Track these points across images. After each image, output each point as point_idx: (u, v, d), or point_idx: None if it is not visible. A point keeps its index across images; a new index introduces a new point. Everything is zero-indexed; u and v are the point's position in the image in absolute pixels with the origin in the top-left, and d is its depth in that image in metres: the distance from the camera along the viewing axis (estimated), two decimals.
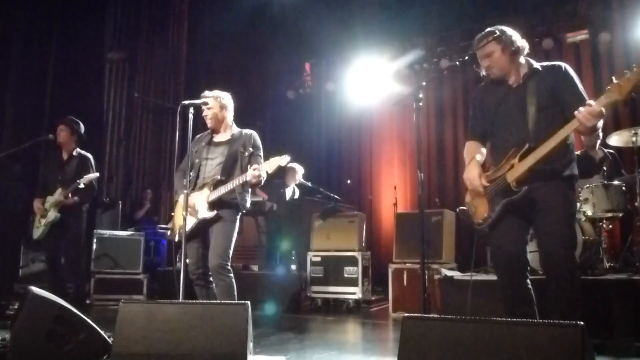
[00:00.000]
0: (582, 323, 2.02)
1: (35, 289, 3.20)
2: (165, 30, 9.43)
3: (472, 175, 3.13)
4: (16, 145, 5.66)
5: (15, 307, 4.79)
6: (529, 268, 3.09)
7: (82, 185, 5.10)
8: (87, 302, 5.28)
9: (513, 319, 2.66)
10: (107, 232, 6.69)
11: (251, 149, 3.96)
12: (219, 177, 3.89)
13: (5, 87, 7.16)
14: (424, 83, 3.31)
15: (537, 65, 3.12)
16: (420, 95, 3.21)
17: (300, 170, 7.76)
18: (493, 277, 5.33)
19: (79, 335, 3.10)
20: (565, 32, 8.31)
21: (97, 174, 5.21)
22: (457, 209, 3.48)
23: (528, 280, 3.05)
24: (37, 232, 5.24)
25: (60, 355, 3.02)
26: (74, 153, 5.41)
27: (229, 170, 3.94)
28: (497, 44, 3.07)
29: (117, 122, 8.74)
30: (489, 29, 3.15)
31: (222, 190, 3.81)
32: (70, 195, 5.13)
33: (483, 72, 3.20)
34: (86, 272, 5.39)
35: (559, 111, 2.96)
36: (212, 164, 4.00)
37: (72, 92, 7.71)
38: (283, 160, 3.72)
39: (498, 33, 3.08)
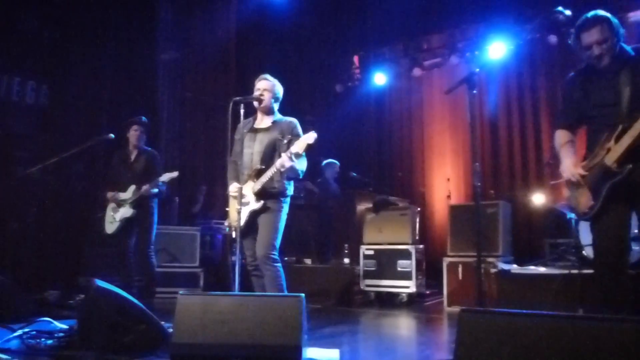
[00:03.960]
0: None
1: (99, 282, 3.32)
2: (215, 29, 9.58)
3: (567, 165, 3.07)
4: (76, 145, 5.86)
5: (80, 299, 5.02)
6: (629, 259, 2.99)
7: (161, 182, 5.28)
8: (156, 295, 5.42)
9: (603, 311, 2.56)
10: (165, 227, 6.87)
11: (289, 136, 3.91)
12: (258, 166, 3.90)
13: (65, 91, 7.45)
14: (477, 70, 3.23)
15: (627, 47, 3.04)
16: (474, 83, 3.14)
17: (337, 165, 7.95)
18: (552, 271, 5.22)
19: (140, 325, 3.21)
20: (626, 11, 7.94)
21: (177, 173, 5.32)
22: (556, 206, 3.41)
23: (627, 272, 2.95)
24: (110, 227, 5.46)
25: (122, 345, 3.13)
26: (141, 150, 5.60)
27: (268, 158, 3.93)
28: (610, 31, 2.96)
29: (171, 121, 8.95)
30: (597, 14, 3.01)
31: (263, 179, 3.84)
32: (148, 189, 5.29)
33: (594, 56, 3.02)
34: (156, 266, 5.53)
35: None
36: (253, 153, 3.99)
37: (127, 93, 7.97)
38: (310, 137, 3.63)
39: (611, 19, 2.97)
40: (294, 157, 3.67)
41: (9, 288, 4.29)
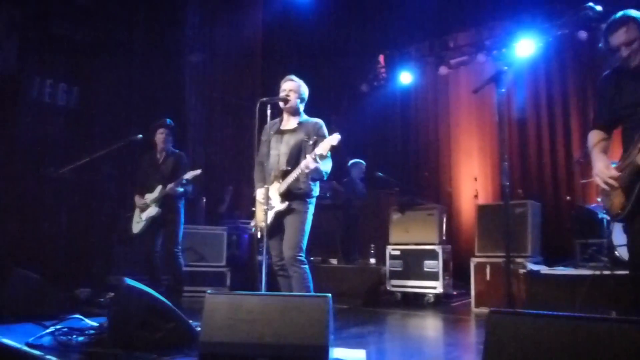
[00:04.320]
0: None
1: (129, 281, 3.37)
2: (241, 30, 9.65)
3: (599, 168, 2.96)
4: (106, 146, 5.97)
5: (110, 297, 5.11)
6: None
7: (185, 180, 5.36)
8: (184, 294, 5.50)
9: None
10: (192, 227, 6.94)
11: (315, 137, 3.90)
12: (284, 167, 3.92)
13: (95, 93, 7.59)
14: (505, 68, 3.18)
15: None
16: (502, 82, 3.09)
17: (363, 165, 7.94)
18: (583, 272, 5.12)
19: (169, 324, 3.25)
20: None
21: (200, 171, 5.40)
22: (588, 205, 3.32)
23: None
24: (137, 227, 5.56)
25: (152, 343, 3.17)
26: (169, 152, 5.68)
27: (294, 159, 3.94)
28: (638, 30, 2.89)
29: (198, 122, 9.04)
30: (624, 14, 2.94)
31: (288, 180, 3.85)
32: (175, 187, 5.38)
33: (622, 56, 2.96)
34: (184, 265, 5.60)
35: None
36: (279, 154, 4.01)
37: (155, 95, 8.09)
38: (334, 139, 3.63)
39: (638, 18, 2.90)
40: (318, 159, 3.67)
41: (41, 286, 4.39)
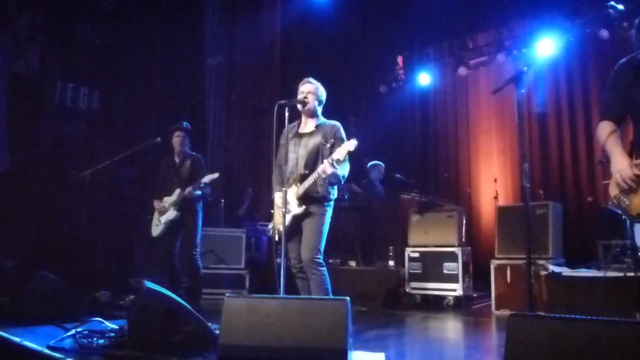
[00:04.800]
0: None
1: (149, 284, 3.40)
2: (260, 32, 9.69)
3: (623, 166, 2.78)
4: (127, 149, 6.05)
5: (130, 299, 5.15)
6: None
7: (202, 184, 5.39)
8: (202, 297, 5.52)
9: None
10: (211, 229, 6.97)
11: (333, 140, 3.89)
12: (302, 171, 3.90)
13: (116, 96, 7.68)
14: (525, 69, 3.13)
15: None
16: (522, 82, 3.04)
17: (381, 166, 7.89)
18: (606, 274, 5.03)
19: (188, 327, 3.27)
20: None
21: (218, 174, 5.43)
22: (609, 205, 3.21)
23: None
24: (156, 230, 5.60)
25: (171, 345, 3.19)
26: (187, 155, 5.72)
27: (312, 163, 3.92)
28: None
29: (217, 125, 9.09)
30: None
31: (306, 184, 3.84)
32: (192, 191, 5.40)
33: None
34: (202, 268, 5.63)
35: None
36: (297, 157, 4.00)
37: (175, 98, 8.16)
38: (351, 144, 3.61)
39: None
40: (335, 164, 3.67)
41: (62, 288, 4.43)
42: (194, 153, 5.80)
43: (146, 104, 7.96)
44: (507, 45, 8.81)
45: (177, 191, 5.49)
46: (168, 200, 5.54)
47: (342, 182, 3.95)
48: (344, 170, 3.84)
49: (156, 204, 5.60)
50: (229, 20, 9.23)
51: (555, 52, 8.17)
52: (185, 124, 5.76)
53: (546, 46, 8.11)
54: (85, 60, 7.41)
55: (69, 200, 6.54)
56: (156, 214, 5.63)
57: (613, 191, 2.85)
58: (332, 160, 3.65)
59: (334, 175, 3.76)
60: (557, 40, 8.09)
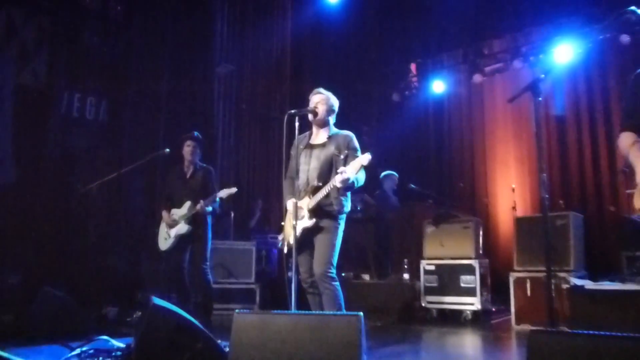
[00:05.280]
0: None
1: (157, 299, 3.38)
2: (270, 40, 9.74)
3: None
4: (135, 160, 6.04)
5: (137, 316, 5.13)
6: None
7: (218, 199, 5.33)
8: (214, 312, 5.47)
9: None
10: (220, 242, 6.95)
11: (346, 151, 3.88)
12: (315, 183, 3.88)
13: (123, 106, 7.72)
14: (543, 76, 3.10)
15: None
16: (539, 90, 3.01)
17: (395, 176, 7.87)
18: (631, 287, 4.96)
19: (197, 344, 3.24)
20: None
21: (236, 189, 5.36)
22: (633, 216, 3.16)
23: None
24: (165, 244, 5.51)
25: None
26: (197, 166, 5.66)
27: (325, 175, 3.90)
28: None
29: (227, 134, 9.13)
30: None
31: (318, 196, 3.81)
32: (204, 205, 5.32)
33: None
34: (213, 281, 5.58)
35: None
36: (309, 169, 3.98)
37: (184, 107, 8.20)
38: (365, 159, 3.59)
39: None
40: (351, 178, 3.65)
41: (69, 305, 4.43)
42: (205, 165, 5.72)
43: (154, 114, 7.99)
44: (523, 51, 8.76)
45: (188, 204, 5.40)
46: (178, 212, 5.46)
47: (356, 187, 3.90)
48: (360, 176, 3.82)
49: (165, 216, 5.54)
50: (238, 28, 9.29)
51: (574, 58, 8.11)
52: (196, 133, 5.73)
53: (564, 52, 8.06)
54: (93, 69, 7.46)
55: (75, 213, 6.56)
56: (163, 227, 5.55)
57: (638, 203, 2.81)
58: (349, 173, 3.62)
59: (350, 189, 3.77)
60: (576, 46, 8.03)
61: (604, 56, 8.15)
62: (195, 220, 5.40)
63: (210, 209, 5.41)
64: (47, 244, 6.51)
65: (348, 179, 3.61)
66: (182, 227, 5.40)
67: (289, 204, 3.97)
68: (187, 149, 5.60)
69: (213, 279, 5.66)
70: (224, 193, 5.26)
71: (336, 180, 3.66)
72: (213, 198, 5.30)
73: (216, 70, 8.86)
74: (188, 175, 5.60)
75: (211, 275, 5.53)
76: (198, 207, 5.30)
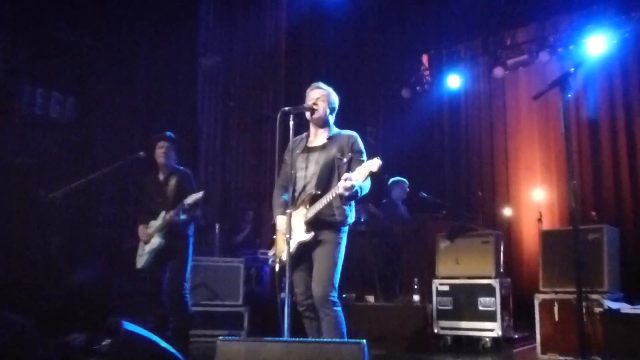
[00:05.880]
0: None
1: (128, 325, 3.36)
2: (262, 29, 9.75)
3: None
4: (106, 164, 6.01)
5: (107, 343, 5.09)
6: None
7: (186, 206, 5.24)
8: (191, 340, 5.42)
9: None
10: (203, 259, 6.93)
11: (350, 154, 3.86)
12: (314, 191, 3.84)
13: (94, 103, 7.69)
14: (572, 70, 3.11)
15: None
16: (568, 85, 3.02)
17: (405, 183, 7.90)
18: None
19: None
20: None
21: (202, 193, 5.27)
22: None
23: None
24: (140, 261, 5.46)
25: None
26: (172, 170, 5.59)
27: (325, 181, 3.87)
28: None
29: (212, 136, 9.12)
30: None
31: (317, 206, 3.77)
32: (175, 216, 5.26)
33: None
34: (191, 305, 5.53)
35: None
36: (307, 175, 3.94)
37: (163, 104, 8.20)
38: (374, 164, 3.53)
39: None
40: (356, 185, 3.61)
41: (29, 332, 4.40)
42: (181, 168, 5.67)
43: (129, 112, 7.98)
44: (551, 42, 8.83)
45: (162, 214, 5.34)
46: (154, 225, 5.41)
47: (359, 196, 3.85)
48: (365, 184, 3.78)
49: (141, 231, 5.48)
50: (226, 14, 9.29)
51: (608, 50, 8.16)
52: (168, 133, 5.69)
53: (597, 43, 8.11)
54: (58, 61, 7.43)
55: (37, 225, 6.53)
56: (141, 242, 5.51)
57: None
58: (354, 180, 3.56)
59: (354, 197, 3.74)
60: (610, 36, 8.08)
61: None
62: (170, 232, 5.33)
63: (183, 217, 5.31)
64: (4, 260, 6.48)
65: (353, 187, 3.58)
66: (155, 241, 5.34)
67: (279, 220, 3.93)
68: (159, 151, 5.55)
69: (194, 300, 5.64)
70: (189, 199, 5.17)
71: (339, 188, 3.63)
72: (181, 206, 5.22)
73: (200, 61, 8.87)
74: (162, 181, 5.56)
75: (190, 297, 5.49)
76: (167, 217, 5.25)
